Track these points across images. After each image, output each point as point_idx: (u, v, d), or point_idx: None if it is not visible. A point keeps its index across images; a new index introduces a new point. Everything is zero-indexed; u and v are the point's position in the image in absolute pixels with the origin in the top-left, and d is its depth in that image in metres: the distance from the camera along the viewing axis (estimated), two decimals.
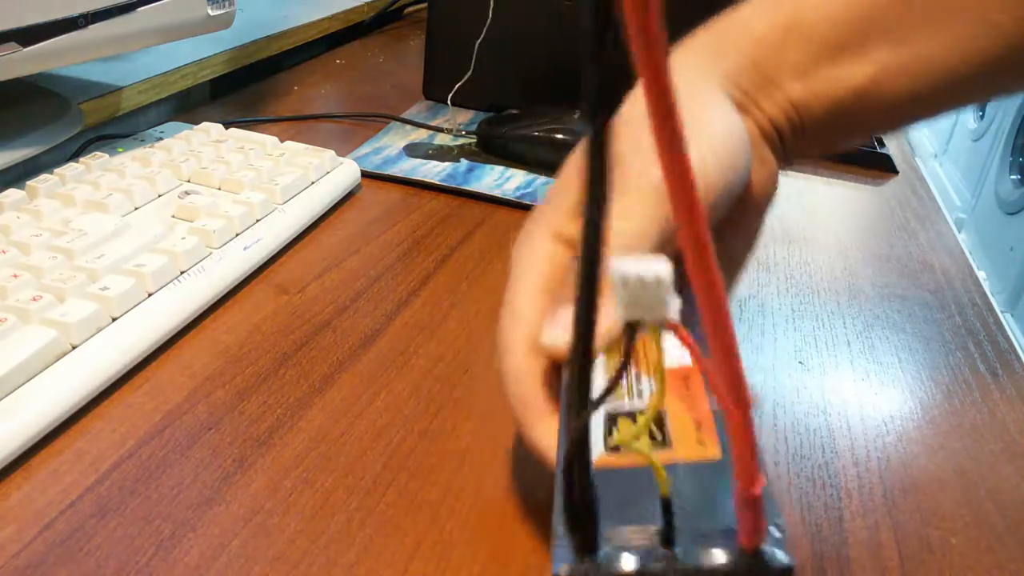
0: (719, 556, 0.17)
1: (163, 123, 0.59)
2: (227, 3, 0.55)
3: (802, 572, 0.30)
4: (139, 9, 0.49)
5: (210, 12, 0.54)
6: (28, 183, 0.46)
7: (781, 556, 0.17)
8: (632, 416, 0.21)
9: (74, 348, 0.35)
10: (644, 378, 0.23)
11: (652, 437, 0.20)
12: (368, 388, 0.37)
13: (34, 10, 0.43)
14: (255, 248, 0.45)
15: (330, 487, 0.31)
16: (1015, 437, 0.39)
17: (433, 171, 0.59)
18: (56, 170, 0.48)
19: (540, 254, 0.28)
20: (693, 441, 0.20)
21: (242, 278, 0.44)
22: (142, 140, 0.54)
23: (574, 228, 0.28)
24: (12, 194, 0.45)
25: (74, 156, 0.52)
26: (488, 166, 0.60)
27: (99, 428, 0.33)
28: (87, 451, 0.32)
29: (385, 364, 0.39)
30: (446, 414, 0.36)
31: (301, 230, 0.49)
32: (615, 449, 0.20)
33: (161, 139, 0.54)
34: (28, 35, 0.43)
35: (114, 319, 0.37)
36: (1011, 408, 0.41)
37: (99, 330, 0.36)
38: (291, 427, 0.34)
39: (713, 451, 0.19)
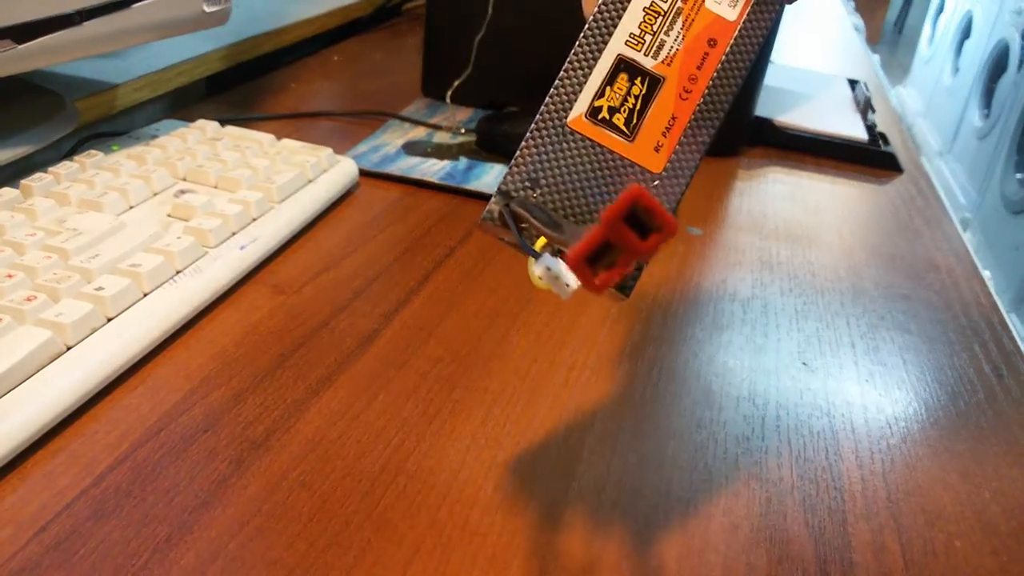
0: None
1: (158, 121, 0.59)
2: (222, 0, 0.54)
3: (805, 574, 0.29)
4: (134, 6, 0.48)
5: (206, 8, 0.53)
6: (22, 182, 0.46)
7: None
8: (636, 71, 0.24)
9: (69, 349, 0.35)
10: (675, 28, 0.25)
11: (626, 123, 0.24)
12: (366, 389, 0.37)
13: (29, 7, 0.42)
14: (252, 248, 0.45)
15: (328, 490, 0.31)
16: (1020, 439, 0.38)
17: (432, 169, 0.59)
18: (51, 168, 0.47)
19: None
20: (651, 148, 0.23)
21: (239, 278, 0.43)
22: (137, 138, 0.54)
23: None
24: (6, 193, 0.44)
25: (69, 154, 0.52)
26: (488, 164, 0.60)
27: (94, 430, 0.33)
28: (82, 453, 0.32)
29: (383, 365, 0.38)
30: (445, 416, 0.35)
31: (298, 229, 0.49)
32: (594, 112, 0.24)
33: (156, 137, 0.54)
34: (22, 32, 0.43)
35: (109, 319, 0.37)
36: (1016, 410, 0.40)
37: (94, 331, 0.36)
38: (288, 429, 0.34)
39: (657, 166, 0.23)
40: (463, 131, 0.65)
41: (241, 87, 0.74)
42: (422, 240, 0.50)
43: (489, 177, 0.58)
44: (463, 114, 0.70)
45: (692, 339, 0.43)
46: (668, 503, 0.32)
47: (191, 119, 0.58)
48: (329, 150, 0.55)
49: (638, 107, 0.23)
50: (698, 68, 0.23)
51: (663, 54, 0.24)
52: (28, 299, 0.35)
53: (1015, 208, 1.71)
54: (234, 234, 0.45)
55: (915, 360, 0.44)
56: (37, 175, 0.47)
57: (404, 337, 0.41)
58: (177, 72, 0.67)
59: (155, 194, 0.48)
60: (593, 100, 0.24)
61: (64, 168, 0.48)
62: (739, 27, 0.23)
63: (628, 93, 0.24)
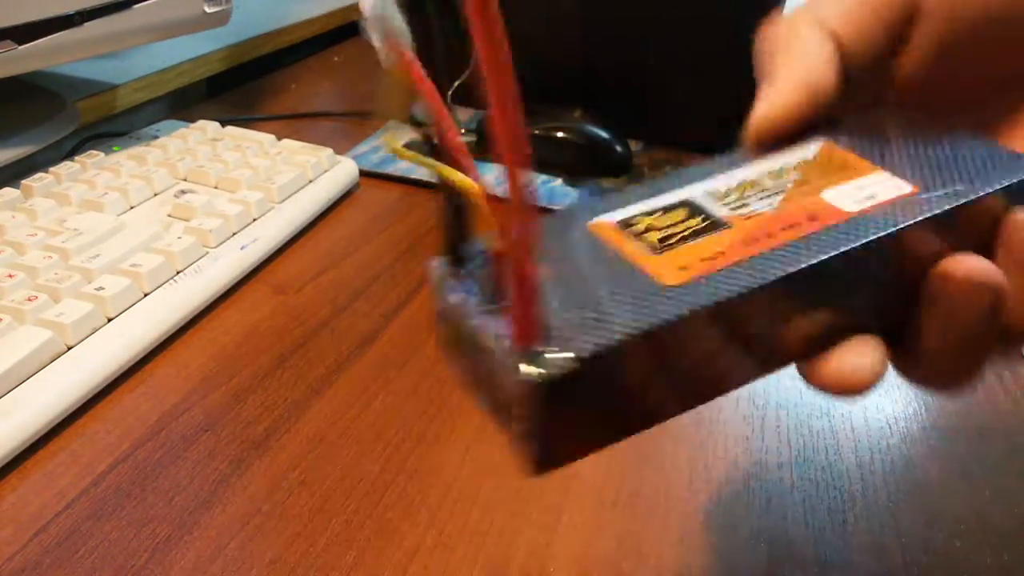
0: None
1: (159, 121, 0.59)
2: (223, 0, 0.54)
3: (805, 575, 0.29)
4: (135, 7, 0.48)
5: (206, 9, 0.53)
6: (23, 182, 0.46)
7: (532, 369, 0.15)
8: (699, 210, 0.20)
9: (69, 349, 0.35)
10: (773, 200, 0.20)
11: (661, 240, 0.19)
12: (366, 389, 0.37)
13: (29, 8, 0.42)
14: (252, 248, 0.45)
15: (328, 489, 0.31)
16: (1020, 439, 0.38)
17: None
18: (51, 169, 0.48)
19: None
20: (675, 265, 0.18)
21: (239, 278, 0.43)
22: (138, 138, 0.54)
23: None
24: (7, 193, 0.44)
25: (69, 155, 0.52)
26: (488, 164, 0.60)
27: (95, 430, 0.33)
28: (82, 453, 0.32)
29: (383, 365, 0.38)
30: (445, 416, 0.35)
31: (299, 229, 0.49)
32: (626, 223, 0.19)
33: (157, 137, 0.54)
34: (23, 33, 0.43)
35: (110, 319, 0.37)
36: (1016, 410, 0.41)
37: (95, 331, 0.36)
38: (288, 429, 0.34)
39: (670, 279, 0.18)
40: (464, 131, 0.66)
41: (242, 88, 0.74)
42: (422, 240, 0.50)
43: (489, 177, 0.58)
44: (464, 114, 0.70)
45: None
46: (668, 503, 0.32)
47: (192, 119, 0.58)
48: (329, 150, 0.55)
49: (684, 234, 0.19)
50: (782, 230, 0.19)
51: (742, 212, 0.19)
52: (29, 299, 0.35)
53: None
54: (235, 234, 0.45)
55: None
56: (38, 175, 0.47)
57: (404, 337, 0.41)
58: (178, 73, 0.67)
59: (156, 194, 0.48)
60: (632, 216, 0.20)
61: (65, 168, 0.48)
62: (855, 216, 0.19)
63: (679, 222, 0.19)
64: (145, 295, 0.39)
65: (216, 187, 0.49)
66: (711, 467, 0.34)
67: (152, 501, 0.30)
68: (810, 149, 0.21)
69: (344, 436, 0.34)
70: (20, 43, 0.43)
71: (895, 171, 0.20)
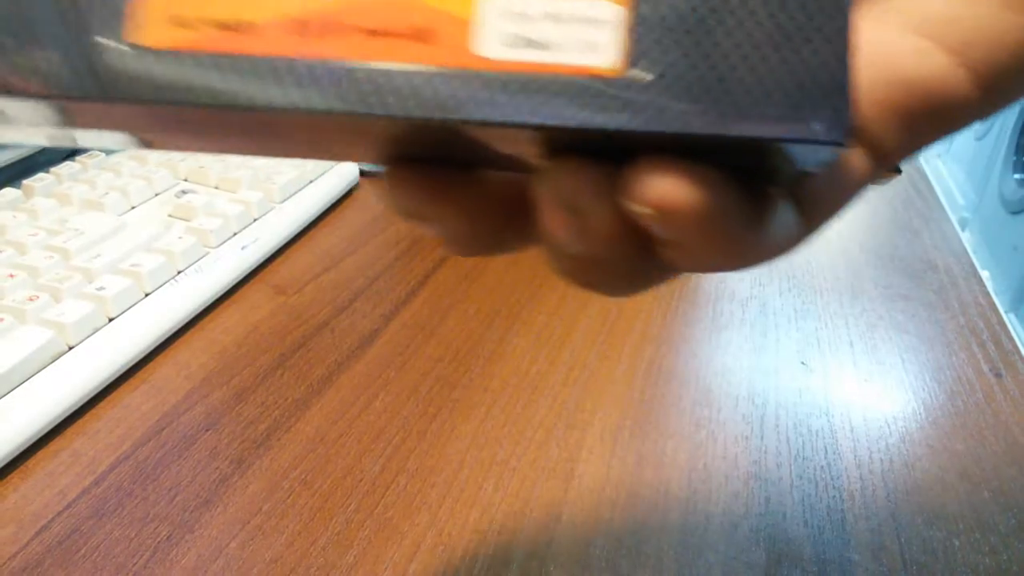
0: None
1: None
2: None
3: (804, 574, 0.29)
4: None
5: None
6: (24, 182, 0.46)
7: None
8: None
9: (71, 349, 0.35)
10: None
11: None
12: (367, 389, 0.37)
13: None
14: (253, 248, 0.45)
15: (328, 489, 0.31)
16: (1019, 439, 0.38)
17: None
18: (52, 169, 0.48)
19: None
20: None
21: (240, 278, 0.43)
22: None
23: None
24: (8, 193, 0.44)
25: (70, 155, 0.52)
26: None
27: (96, 429, 0.33)
28: (84, 452, 0.32)
29: (384, 365, 0.39)
30: (445, 415, 0.36)
31: (299, 229, 0.49)
32: None
33: None
34: None
35: (111, 319, 0.37)
36: (1015, 409, 0.41)
37: (96, 330, 0.36)
38: (289, 428, 0.34)
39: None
40: None
41: None
42: (422, 240, 0.51)
43: None
44: None
45: (691, 339, 0.44)
46: (667, 502, 0.32)
47: None
48: None
49: None
50: (366, 37, 0.12)
51: None
52: (30, 299, 0.35)
53: (1013, 208, 1.71)
54: (235, 234, 0.45)
55: (914, 360, 0.44)
56: (39, 175, 0.47)
57: (404, 337, 0.41)
58: None
59: (156, 194, 0.48)
60: None
61: (66, 168, 0.48)
62: (495, 73, 0.12)
63: None
64: (146, 295, 0.39)
65: (217, 187, 0.49)
66: (710, 466, 0.34)
67: (153, 500, 0.30)
68: None
69: (344, 436, 0.34)
70: None
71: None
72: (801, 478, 0.34)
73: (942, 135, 0.18)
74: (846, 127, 0.12)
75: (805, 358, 0.43)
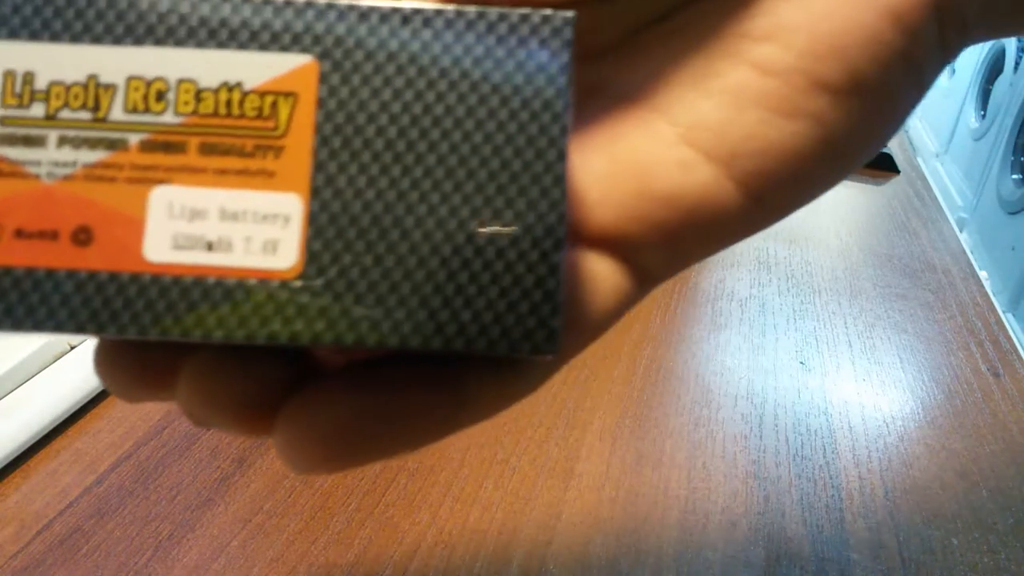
0: None
1: None
2: None
3: (804, 574, 0.30)
4: None
5: None
6: None
7: None
8: None
9: (72, 348, 0.35)
10: None
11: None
12: None
13: None
14: None
15: (329, 488, 0.31)
16: (1016, 438, 0.39)
17: None
18: None
19: None
20: None
21: None
22: None
23: None
24: None
25: None
26: None
27: (97, 428, 0.33)
28: (85, 452, 0.32)
29: None
30: None
31: None
32: None
33: None
34: None
35: None
36: (1013, 408, 0.41)
37: None
38: None
39: None
40: None
41: None
42: None
43: None
44: None
45: (690, 338, 0.44)
46: (667, 501, 0.32)
47: None
48: None
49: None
50: (39, 230, 0.11)
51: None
52: None
53: (1011, 208, 1.72)
54: None
55: (912, 359, 0.44)
56: None
57: None
58: None
59: None
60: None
61: None
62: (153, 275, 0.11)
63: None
64: None
65: None
66: (710, 465, 0.34)
67: (155, 499, 0.30)
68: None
69: None
70: None
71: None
72: (800, 477, 0.34)
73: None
74: (553, 339, 0.11)
75: (804, 358, 0.43)
